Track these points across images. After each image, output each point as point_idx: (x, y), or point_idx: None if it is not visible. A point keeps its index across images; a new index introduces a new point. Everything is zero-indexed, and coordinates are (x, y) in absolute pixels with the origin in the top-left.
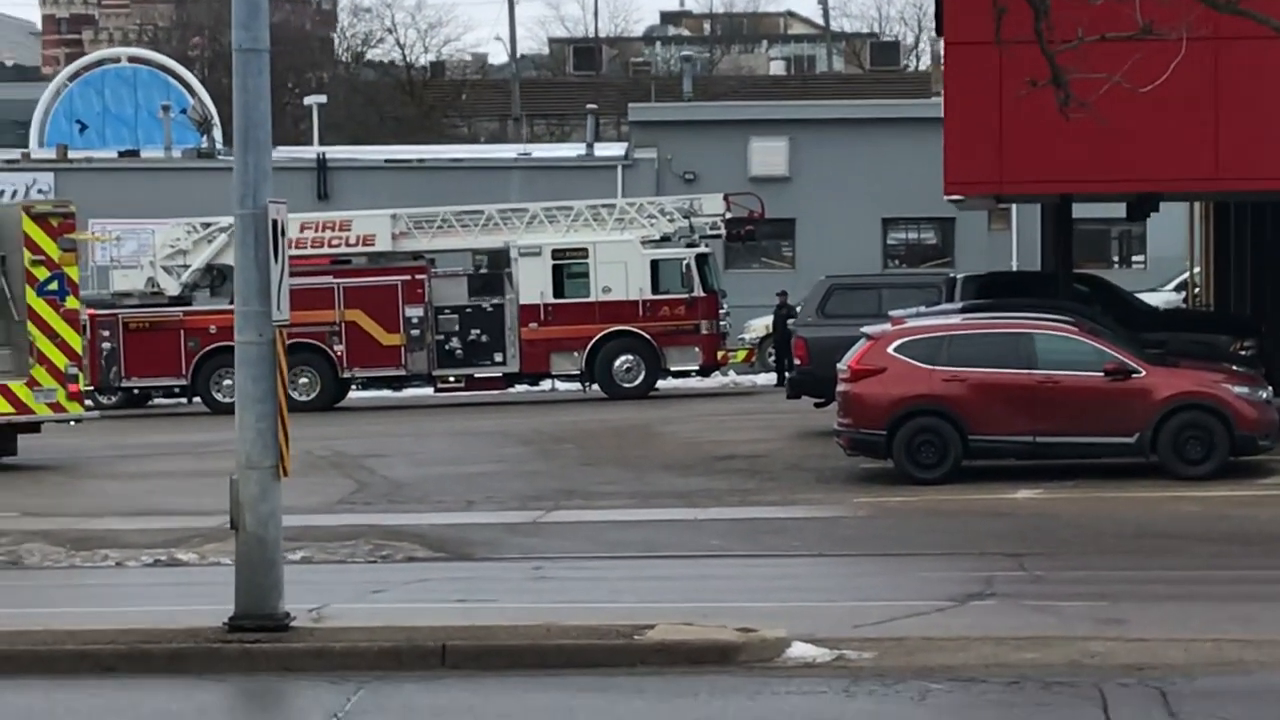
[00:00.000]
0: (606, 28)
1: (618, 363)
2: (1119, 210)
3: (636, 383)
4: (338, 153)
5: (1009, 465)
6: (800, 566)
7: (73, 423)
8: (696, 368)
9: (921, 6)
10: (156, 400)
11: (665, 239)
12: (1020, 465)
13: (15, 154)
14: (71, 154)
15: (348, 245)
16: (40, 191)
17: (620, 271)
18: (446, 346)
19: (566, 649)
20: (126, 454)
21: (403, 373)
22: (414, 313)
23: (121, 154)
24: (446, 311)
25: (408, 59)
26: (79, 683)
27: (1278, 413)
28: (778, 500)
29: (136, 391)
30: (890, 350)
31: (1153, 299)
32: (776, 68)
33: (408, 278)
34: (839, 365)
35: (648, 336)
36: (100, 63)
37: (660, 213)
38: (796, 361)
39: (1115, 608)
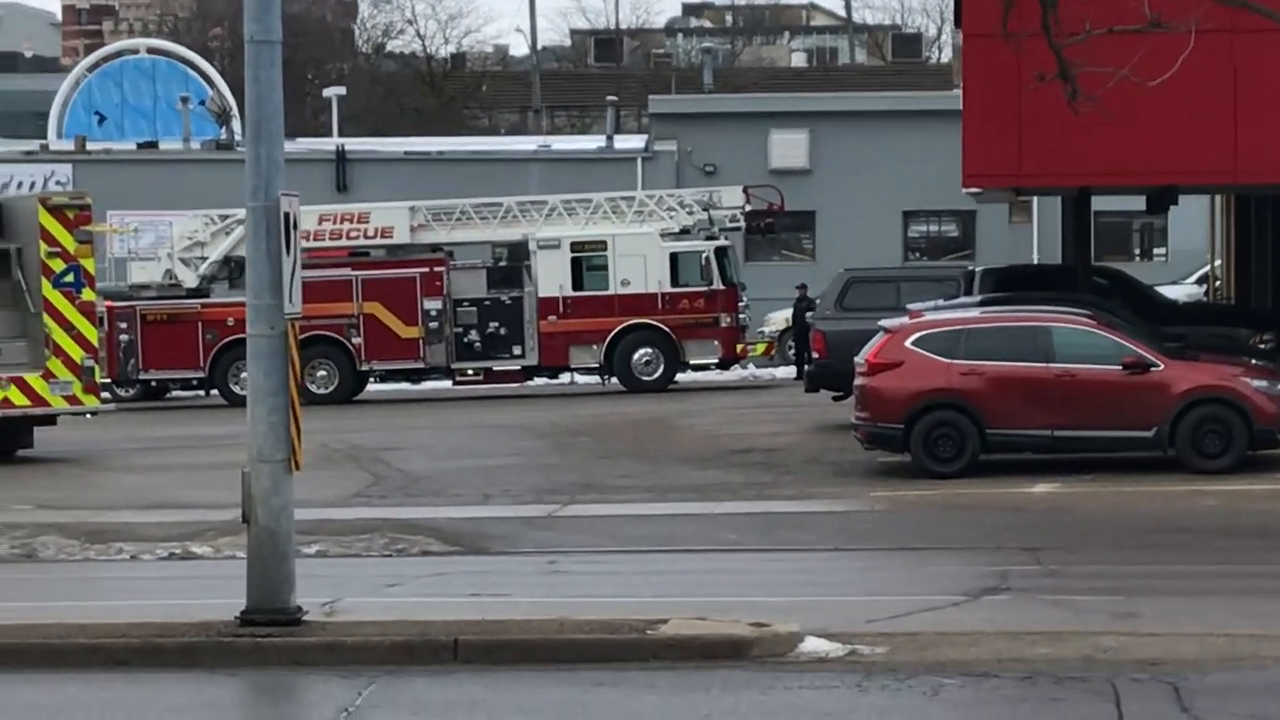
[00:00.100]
0: (628, 19)
1: (636, 356)
2: (1140, 203)
3: (655, 376)
4: (357, 145)
5: (1027, 459)
6: (815, 561)
7: (88, 415)
8: (716, 361)
9: None
10: (174, 393)
11: (684, 232)
12: (1038, 459)
13: (34, 145)
14: (90, 145)
15: (366, 237)
16: (58, 183)
17: (639, 264)
18: (465, 339)
19: (579, 644)
20: (142, 447)
21: (421, 365)
22: (432, 305)
23: (140, 145)
24: (465, 304)
25: (428, 50)
26: (90, 676)
27: None
28: (794, 494)
29: (154, 384)
30: (908, 344)
31: (1174, 292)
32: (798, 59)
33: (426, 270)
34: (856, 359)
35: (667, 330)
36: (119, 54)
37: (679, 205)
38: (814, 355)
39: (1130, 602)
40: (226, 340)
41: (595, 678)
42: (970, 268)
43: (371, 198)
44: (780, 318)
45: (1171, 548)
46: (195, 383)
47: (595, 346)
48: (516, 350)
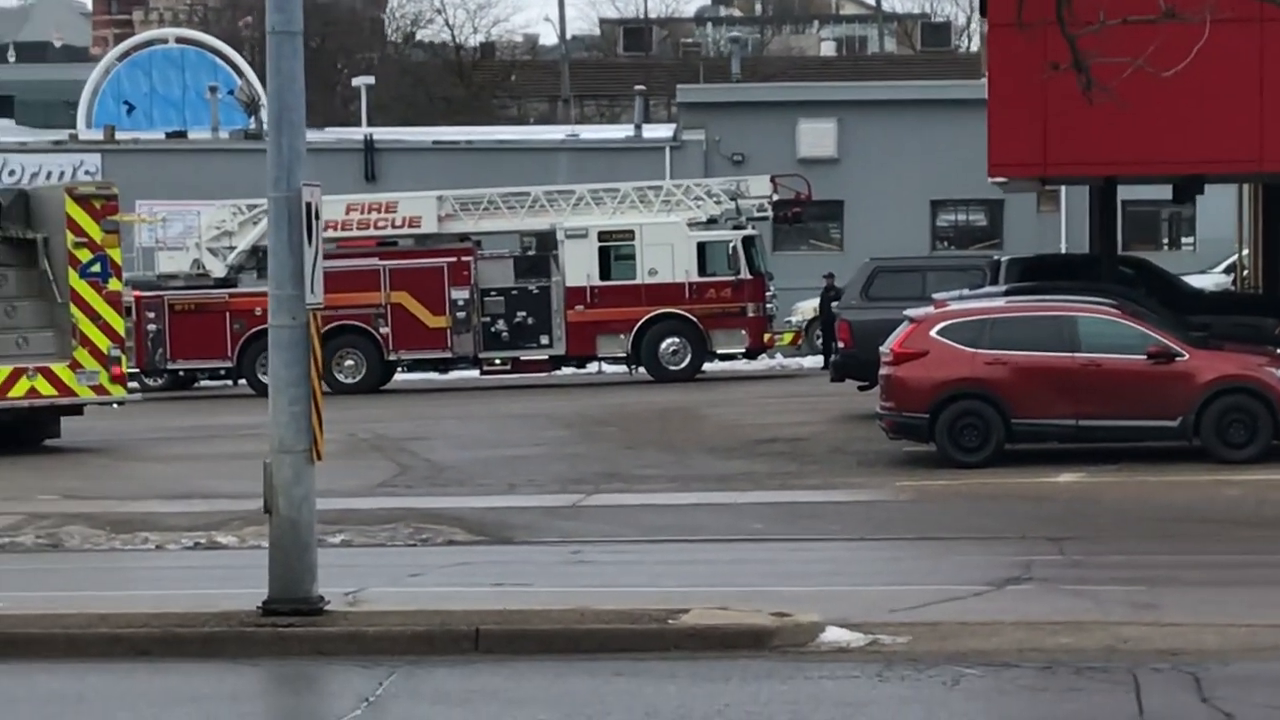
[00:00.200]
0: (657, 8)
1: (664, 345)
2: (1169, 192)
3: (683, 365)
4: (385, 134)
5: (1051, 449)
6: (839, 550)
7: (115, 405)
8: (743, 350)
9: None
10: (202, 382)
11: (712, 221)
12: (1063, 449)
13: (63, 135)
14: (119, 135)
15: (394, 227)
16: (87, 173)
17: (667, 254)
18: (492, 329)
19: (599, 634)
20: (169, 436)
21: (448, 355)
22: (460, 295)
23: (168, 135)
24: (492, 294)
25: (457, 40)
26: (111, 666)
27: None
28: (819, 484)
29: (182, 373)
30: (933, 333)
31: (1202, 281)
32: (827, 49)
33: (454, 260)
34: (882, 348)
35: (694, 319)
36: (148, 43)
37: (707, 195)
38: (840, 344)
39: (1152, 592)
40: (254, 330)
41: (615, 668)
42: (996, 257)
43: (399, 187)
44: (808, 307)
45: (1195, 538)
46: (223, 372)
47: (623, 336)
48: (544, 340)
